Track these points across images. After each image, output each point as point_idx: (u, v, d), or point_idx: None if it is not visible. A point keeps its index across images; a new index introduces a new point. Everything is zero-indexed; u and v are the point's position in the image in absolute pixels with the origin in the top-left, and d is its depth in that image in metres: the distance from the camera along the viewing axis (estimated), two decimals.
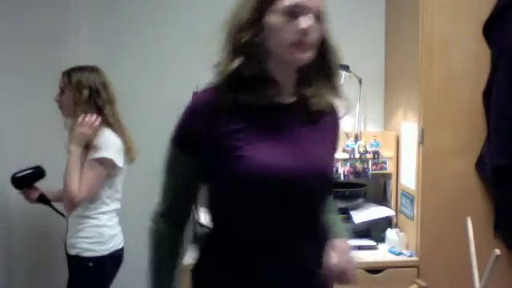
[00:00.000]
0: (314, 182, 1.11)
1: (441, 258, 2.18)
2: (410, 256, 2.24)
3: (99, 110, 2.02)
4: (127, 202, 2.18)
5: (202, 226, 2.16)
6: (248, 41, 1.06)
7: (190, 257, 2.28)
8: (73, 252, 1.99)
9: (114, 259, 2.06)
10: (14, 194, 2.05)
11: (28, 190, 2.05)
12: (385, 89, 2.74)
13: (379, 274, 2.18)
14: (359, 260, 1.25)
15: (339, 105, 1.22)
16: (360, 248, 2.30)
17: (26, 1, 2.24)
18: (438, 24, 2.16)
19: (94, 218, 2.00)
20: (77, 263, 1.99)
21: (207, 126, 1.07)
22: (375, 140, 2.55)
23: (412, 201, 2.28)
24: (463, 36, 2.17)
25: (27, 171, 2.02)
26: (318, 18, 1.07)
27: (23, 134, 2.18)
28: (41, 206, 2.10)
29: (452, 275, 2.09)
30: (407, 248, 2.30)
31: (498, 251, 1.45)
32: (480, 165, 2.18)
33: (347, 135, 2.54)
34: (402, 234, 2.35)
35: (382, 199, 2.67)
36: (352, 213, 2.45)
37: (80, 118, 1.96)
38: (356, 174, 2.50)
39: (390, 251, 2.29)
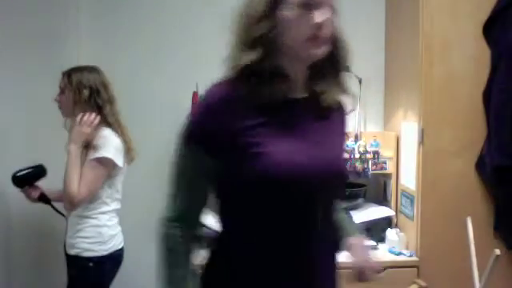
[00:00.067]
0: (330, 179, 1.10)
1: (441, 258, 2.18)
2: (410, 256, 2.23)
3: (99, 110, 2.02)
4: (127, 201, 2.18)
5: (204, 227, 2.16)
6: (263, 34, 1.03)
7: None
8: (73, 252, 1.99)
9: (114, 259, 2.06)
10: (14, 193, 2.05)
11: (29, 189, 2.05)
12: (385, 89, 2.74)
13: (379, 274, 2.18)
14: (377, 258, 1.24)
15: (346, 101, 1.21)
16: None
17: (25, 1, 2.24)
18: (437, 24, 2.16)
19: (93, 218, 2.01)
20: (77, 263, 1.99)
21: (223, 122, 1.03)
22: (375, 140, 2.55)
23: (412, 201, 2.28)
24: (463, 36, 2.17)
25: (28, 170, 2.02)
26: (332, 11, 1.05)
27: (23, 134, 2.18)
28: (41, 206, 2.10)
29: (452, 275, 2.09)
30: (407, 248, 2.30)
31: (497, 251, 1.45)
32: (480, 165, 2.18)
33: (347, 135, 2.54)
34: (401, 234, 2.34)
35: (381, 199, 2.66)
36: (352, 213, 2.45)
37: (78, 117, 1.96)
38: (356, 174, 2.50)
39: (390, 251, 2.29)
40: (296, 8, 1.02)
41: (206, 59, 2.66)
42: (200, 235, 1.13)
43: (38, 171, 2.05)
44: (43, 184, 2.09)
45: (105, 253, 2.00)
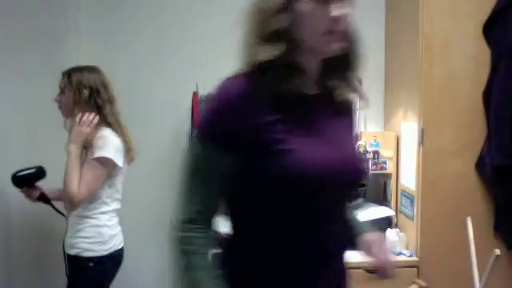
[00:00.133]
0: (350, 175, 1.09)
1: (441, 258, 2.18)
2: (410, 256, 2.23)
3: (99, 110, 2.02)
4: (127, 201, 2.18)
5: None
6: (281, 28, 1.00)
7: None
8: (72, 252, 1.99)
9: (114, 259, 2.06)
10: (14, 193, 2.05)
11: (29, 189, 2.05)
12: (385, 89, 2.74)
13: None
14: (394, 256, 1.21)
15: (356, 99, 1.19)
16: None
17: (25, 1, 2.24)
18: (437, 24, 2.16)
19: (93, 218, 2.00)
20: (77, 263, 1.99)
21: (243, 118, 0.99)
22: (375, 140, 2.55)
23: (412, 201, 2.28)
24: (463, 36, 2.17)
25: (28, 171, 2.02)
26: (351, 7, 1.03)
27: (23, 134, 2.18)
28: (41, 206, 2.10)
29: (452, 275, 2.09)
30: (407, 248, 2.30)
31: (497, 251, 1.45)
32: (480, 165, 2.18)
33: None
34: (401, 234, 2.34)
35: (381, 199, 2.66)
36: None
37: (78, 117, 1.96)
38: None
39: (390, 251, 2.29)
40: (313, 1, 0.99)
41: (206, 59, 2.67)
42: (216, 237, 1.09)
43: (38, 173, 2.05)
44: (43, 184, 2.09)
45: (105, 253, 2.00)
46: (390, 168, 2.52)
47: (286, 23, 1.00)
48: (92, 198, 1.98)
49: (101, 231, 2.00)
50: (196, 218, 1.04)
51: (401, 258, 2.23)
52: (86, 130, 1.96)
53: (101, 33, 2.70)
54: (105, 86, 2.05)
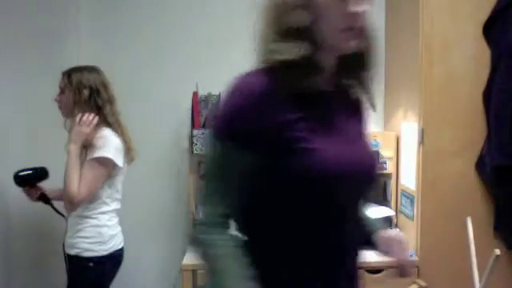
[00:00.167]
0: (369, 173, 1.09)
1: (441, 258, 2.18)
2: (410, 256, 2.23)
3: (99, 110, 2.02)
4: (127, 201, 2.18)
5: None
6: (301, 25, 0.98)
7: (190, 258, 2.29)
8: (72, 252, 1.99)
9: (114, 259, 2.06)
10: (14, 193, 2.05)
11: (30, 189, 2.05)
12: (385, 89, 2.74)
13: (379, 274, 2.18)
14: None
15: (366, 98, 1.18)
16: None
17: (25, 1, 2.24)
18: (437, 24, 2.16)
19: (93, 218, 2.00)
20: (77, 263, 1.99)
21: (265, 115, 0.97)
22: (375, 140, 2.54)
23: (412, 201, 2.28)
24: (463, 36, 2.17)
25: (31, 171, 2.02)
26: (370, 5, 1.02)
27: (23, 134, 2.18)
28: (41, 206, 2.10)
29: (452, 275, 2.09)
30: None
31: (497, 251, 1.45)
32: (480, 165, 2.18)
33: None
34: (401, 234, 2.34)
35: (381, 199, 2.66)
36: None
37: (78, 117, 1.96)
38: None
39: None
40: None
41: (205, 59, 2.67)
42: (237, 238, 1.07)
43: (40, 174, 2.05)
44: (43, 183, 2.08)
45: (105, 253, 2.00)
46: (389, 168, 2.52)
47: (306, 21, 0.98)
48: (92, 198, 1.98)
49: (101, 231, 2.00)
50: (219, 221, 1.01)
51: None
52: (86, 129, 1.96)
53: (101, 33, 2.70)
54: (105, 86, 2.05)
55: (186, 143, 2.59)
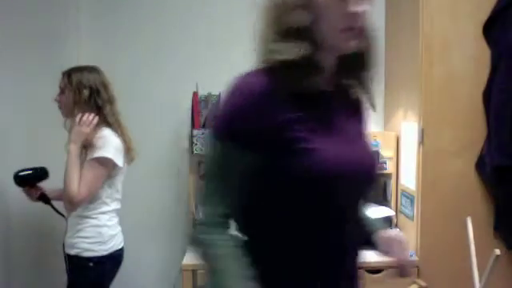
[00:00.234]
0: (369, 174, 1.09)
1: (441, 258, 2.18)
2: (410, 256, 2.23)
3: (99, 110, 2.02)
4: (127, 201, 2.18)
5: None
6: (301, 25, 0.98)
7: (190, 258, 2.29)
8: (72, 252, 1.99)
9: (114, 259, 2.06)
10: (14, 193, 2.05)
11: (30, 189, 2.06)
12: (385, 89, 2.74)
13: (379, 274, 2.18)
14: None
15: (366, 98, 1.18)
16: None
17: (25, 1, 2.24)
18: (437, 24, 2.16)
19: (93, 218, 2.00)
20: (77, 263, 1.99)
21: (265, 115, 0.97)
22: (375, 140, 2.54)
23: (412, 201, 2.28)
24: (463, 36, 2.17)
25: (31, 171, 2.02)
26: (370, 5, 1.02)
27: (23, 134, 2.18)
28: (41, 206, 2.10)
29: (452, 275, 2.09)
30: None
31: (497, 251, 1.45)
32: (480, 165, 2.18)
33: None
34: (401, 234, 2.34)
35: (381, 199, 2.66)
36: None
37: (78, 117, 1.96)
38: None
39: None
40: None
41: (205, 59, 2.67)
42: (237, 238, 1.07)
43: (40, 174, 2.05)
44: (43, 183, 2.09)
45: (105, 253, 2.00)
46: (389, 168, 2.52)
47: (306, 21, 0.98)
48: (92, 198, 1.98)
49: (101, 231, 2.00)
50: (220, 221, 1.01)
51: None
52: (86, 130, 1.96)
53: (101, 33, 2.70)
54: (105, 86, 2.05)
55: (186, 143, 2.60)
